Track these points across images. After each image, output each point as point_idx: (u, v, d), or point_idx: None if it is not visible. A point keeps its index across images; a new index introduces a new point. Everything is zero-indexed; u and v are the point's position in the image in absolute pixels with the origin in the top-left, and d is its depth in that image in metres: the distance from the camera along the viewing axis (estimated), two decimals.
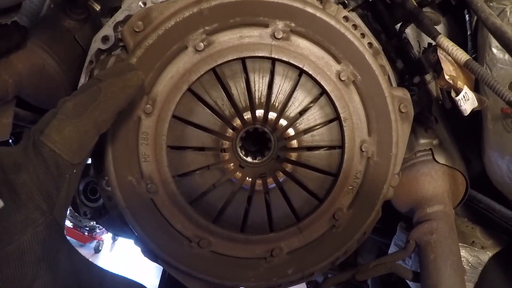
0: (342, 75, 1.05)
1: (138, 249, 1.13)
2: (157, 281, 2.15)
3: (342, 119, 1.07)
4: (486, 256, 1.47)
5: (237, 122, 1.05)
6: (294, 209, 1.10)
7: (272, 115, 1.05)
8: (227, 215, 1.08)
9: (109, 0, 1.33)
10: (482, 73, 1.04)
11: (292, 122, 1.07)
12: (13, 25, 1.19)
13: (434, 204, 1.33)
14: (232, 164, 1.08)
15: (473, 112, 1.14)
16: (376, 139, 1.10)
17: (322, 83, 1.05)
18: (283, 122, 1.06)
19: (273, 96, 1.05)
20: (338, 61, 1.06)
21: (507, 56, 1.22)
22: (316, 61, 1.05)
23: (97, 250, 9.93)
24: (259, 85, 1.04)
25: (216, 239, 1.07)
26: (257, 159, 1.11)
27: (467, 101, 1.10)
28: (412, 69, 1.31)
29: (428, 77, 1.24)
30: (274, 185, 1.09)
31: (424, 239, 1.29)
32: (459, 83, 1.11)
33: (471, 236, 1.53)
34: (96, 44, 1.08)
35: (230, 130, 1.06)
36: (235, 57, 1.01)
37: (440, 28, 1.48)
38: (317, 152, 1.09)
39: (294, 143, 1.07)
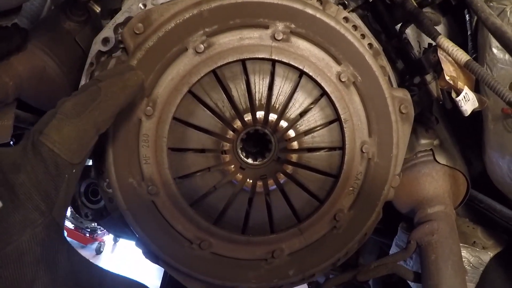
0: (343, 76, 1.05)
1: (139, 251, 1.13)
2: (158, 283, 2.15)
3: (342, 120, 1.07)
4: (487, 256, 1.47)
5: (237, 123, 1.05)
6: (295, 210, 1.10)
7: (272, 116, 1.06)
8: (228, 216, 1.08)
9: (109, 1, 1.33)
10: (482, 74, 1.04)
11: (292, 124, 1.07)
12: (14, 27, 1.19)
13: (435, 204, 1.33)
14: (232, 166, 1.09)
15: (473, 112, 1.14)
16: (376, 140, 1.10)
17: (323, 84, 1.05)
18: (283, 123, 1.06)
19: (274, 97, 1.05)
20: (338, 62, 1.06)
21: (507, 56, 1.22)
22: (316, 62, 1.05)
23: (98, 252, 9.94)
24: (260, 86, 1.04)
25: (217, 240, 1.07)
26: (258, 160, 1.11)
27: (467, 102, 1.10)
28: (412, 69, 1.31)
29: (428, 77, 1.24)
30: (274, 186, 1.09)
31: (425, 240, 1.29)
32: (460, 84, 1.10)
33: (472, 237, 1.52)
34: (97, 46, 1.08)
35: (231, 132, 1.06)
36: (235, 59, 1.01)
37: (440, 28, 1.48)
38: (317, 153, 1.09)
39: (295, 144, 1.07)
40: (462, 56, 1.08)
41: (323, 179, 1.10)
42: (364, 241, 1.19)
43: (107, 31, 1.07)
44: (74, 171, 0.81)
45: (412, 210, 1.38)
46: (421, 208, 1.35)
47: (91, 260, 0.87)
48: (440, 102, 1.29)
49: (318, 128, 1.08)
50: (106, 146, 1.02)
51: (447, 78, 1.10)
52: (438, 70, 1.18)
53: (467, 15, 1.42)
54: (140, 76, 0.94)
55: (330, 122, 1.08)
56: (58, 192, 0.78)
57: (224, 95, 1.04)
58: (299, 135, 1.07)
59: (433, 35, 1.12)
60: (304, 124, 1.07)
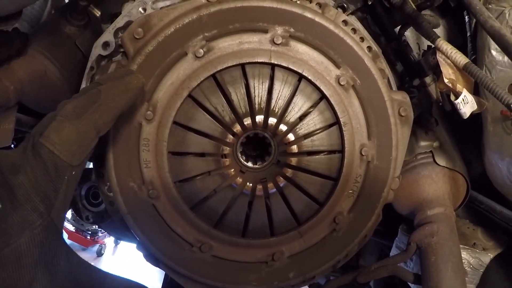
0: (342, 79, 1.06)
1: (140, 254, 1.14)
2: (159, 285, 2.15)
3: (341, 123, 1.07)
4: (487, 257, 1.47)
5: (237, 128, 1.05)
6: (295, 213, 1.11)
7: (272, 120, 1.06)
8: (228, 220, 1.09)
9: (109, 6, 1.34)
10: (481, 76, 1.05)
11: (292, 127, 1.07)
12: (14, 32, 1.20)
13: (434, 206, 1.33)
14: (232, 170, 1.09)
15: (473, 114, 1.14)
16: (376, 142, 1.11)
17: (322, 88, 1.05)
18: (283, 127, 1.07)
19: (273, 101, 1.05)
20: (337, 66, 1.06)
21: (506, 58, 1.23)
22: (315, 66, 1.05)
23: (99, 254, 9.93)
24: (259, 90, 1.05)
25: (218, 243, 1.08)
26: (258, 164, 1.12)
27: (466, 104, 1.10)
28: (412, 71, 1.31)
29: (428, 79, 1.25)
30: (274, 190, 1.10)
31: (425, 242, 1.29)
32: (459, 86, 1.11)
33: (472, 238, 1.53)
34: (97, 50, 1.09)
35: (231, 136, 1.06)
36: (234, 63, 1.02)
37: (439, 30, 1.49)
38: (317, 156, 1.10)
39: (294, 148, 1.08)
40: (461, 58, 1.08)
41: (322, 182, 1.11)
42: (364, 243, 1.19)
43: (107, 35, 1.08)
44: (73, 173, 0.81)
45: (412, 212, 1.38)
46: (421, 210, 1.35)
47: (92, 263, 0.87)
48: (440, 104, 1.29)
49: (318, 131, 1.08)
50: (106, 150, 1.02)
51: (446, 80, 1.10)
52: (437, 72, 1.18)
53: (466, 17, 1.42)
54: (141, 80, 0.94)
55: (330, 126, 1.09)
56: (57, 194, 0.78)
57: (223, 99, 1.04)
58: (299, 139, 1.08)
59: (432, 38, 1.12)
60: (304, 127, 1.07)
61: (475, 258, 1.47)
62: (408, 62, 1.31)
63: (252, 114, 1.05)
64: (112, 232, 2.19)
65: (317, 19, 1.04)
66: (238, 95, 1.04)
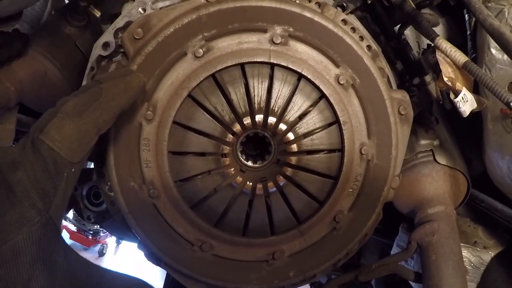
0: (341, 78, 1.06)
1: (141, 253, 1.14)
2: (161, 284, 2.16)
3: (341, 122, 1.07)
4: (488, 256, 1.47)
5: (237, 127, 1.06)
6: (295, 212, 1.11)
7: (271, 119, 1.06)
8: (228, 219, 1.09)
9: (109, 6, 1.34)
10: (480, 75, 1.05)
11: (291, 127, 1.07)
12: (15, 33, 1.20)
13: (435, 205, 1.33)
14: (232, 169, 1.09)
15: (473, 113, 1.14)
16: (375, 141, 1.11)
17: (321, 87, 1.05)
18: (282, 126, 1.07)
19: (273, 101, 1.06)
20: (336, 65, 1.07)
21: (505, 56, 1.22)
22: (314, 65, 1.05)
23: (101, 254, 9.95)
24: (259, 90, 1.05)
25: (218, 242, 1.08)
26: (258, 163, 1.12)
27: (466, 103, 1.10)
28: (411, 70, 1.31)
29: (428, 78, 1.25)
30: (274, 189, 1.10)
31: (426, 240, 1.29)
32: (458, 85, 1.11)
33: (473, 236, 1.52)
34: (97, 50, 1.09)
35: (230, 135, 1.06)
36: (234, 63, 1.02)
37: (439, 28, 1.48)
38: (317, 155, 1.10)
39: (294, 147, 1.08)
40: (460, 57, 1.08)
41: (322, 181, 1.11)
42: (365, 242, 1.19)
43: (107, 36, 1.08)
44: (73, 170, 0.80)
45: (413, 210, 1.38)
46: (421, 209, 1.35)
47: (94, 262, 0.86)
48: (440, 103, 1.29)
49: (317, 130, 1.09)
50: (107, 150, 1.03)
51: (445, 79, 1.10)
52: (437, 71, 1.18)
53: (466, 15, 1.42)
54: (142, 79, 0.94)
55: (329, 125, 1.09)
56: (56, 191, 0.77)
57: (223, 99, 1.04)
58: (298, 138, 1.08)
59: (431, 37, 1.12)
60: (303, 126, 1.08)
61: (476, 256, 1.47)
62: (408, 60, 1.31)
63: (252, 113, 1.05)
64: (114, 232, 2.20)
65: (316, 18, 1.05)
66: (237, 95, 1.04)
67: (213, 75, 1.03)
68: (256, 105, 1.05)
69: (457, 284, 1.24)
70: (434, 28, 1.14)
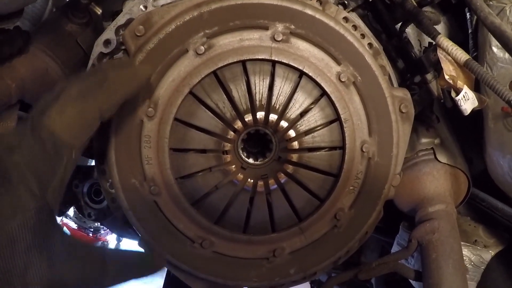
0: (342, 76, 1.06)
1: (142, 250, 1.14)
2: (161, 281, 2.16)
3: (342, 120, 1.07)
4: (488, 255, 1.47)
5: (238, 124, 1.06)
6: (296, 209, 1.11)
7: (273, 117, 1.06)
8: (229, 216, 1.09)
9: (111, 3, 1.34)
10: (481, 73, 1.05)
11: (293, 124, 1.07)
12: (16, 30, 1.20)
13: (436, 203, 1.33)
14: (233, 166, 1.09)
15: (474, 111, 1.14)
16: (376, 139, 1.11)
17: (322, 84, 1.05)
18: (284, 123, 1.07)
19: (274, 98, 1.06)
20: (338, 63, 1.07)
21: (507, 55, 1.22)
22: (316, 63, 1.05)
23: None
24: (260, 87, 1.05)
25: (219, 239, 1.08)
26: (259, 160, 1.12)
27: (467, 101, 1.10)
28: (413, 68, 1.31)
29: (429, 76, 1.25)
30: (275, 186, 1.10)
31: (426, 239, 1.29)
32: (459, 83, 1.11)
33: (473, 235, 1.52)
34: (98, 47, 1.09)
35: (232, 132, 1.07)
36: (235, 60, 1.02)
37: (441, 27, 1.48)
38: (318, 153, 1.10)
39: (295, 144, 1.08)
40: (462, 55, 1.08)
41: (323, 178, 1.11)
42: (365, 240, 1.19)
43: (109, 33, 1.08)
44: (73, 156, 0.78)
45: (413, 209, 1.38)
46: (422, 207, 1.35)
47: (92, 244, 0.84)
48: (441, 101, 1.29)
49: (318, 128, 1.09)
50: (108, 147, 1.03)
51: (446, 77, 1.10)
52: (438, 69, 1.18)
53: (467, 13, 1.42)
54: (148, 70, 0.93)
55: (330, 122, 1.09)
56: (55, 175, 0.75)
57: (224, 96, 1.04)
58: (300, 135, 1.08)
59: (433, 35, 1.12)
60: (305, 124, 1.08)
61: (476, 255, 1.47)
62: (409, 59, 1.31)
63: (253, 110, 1.06)
64: (114, 229, 2.21)
65: (317, 16, 1.05)
66: (239, 92, 1.04)
67: (214, 72, 1.03)
68: (257, 102, 1.05)
69: (457, 282, 1.25)
70: (435, 26, 1.14)
